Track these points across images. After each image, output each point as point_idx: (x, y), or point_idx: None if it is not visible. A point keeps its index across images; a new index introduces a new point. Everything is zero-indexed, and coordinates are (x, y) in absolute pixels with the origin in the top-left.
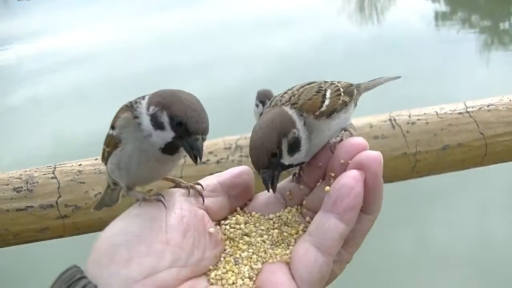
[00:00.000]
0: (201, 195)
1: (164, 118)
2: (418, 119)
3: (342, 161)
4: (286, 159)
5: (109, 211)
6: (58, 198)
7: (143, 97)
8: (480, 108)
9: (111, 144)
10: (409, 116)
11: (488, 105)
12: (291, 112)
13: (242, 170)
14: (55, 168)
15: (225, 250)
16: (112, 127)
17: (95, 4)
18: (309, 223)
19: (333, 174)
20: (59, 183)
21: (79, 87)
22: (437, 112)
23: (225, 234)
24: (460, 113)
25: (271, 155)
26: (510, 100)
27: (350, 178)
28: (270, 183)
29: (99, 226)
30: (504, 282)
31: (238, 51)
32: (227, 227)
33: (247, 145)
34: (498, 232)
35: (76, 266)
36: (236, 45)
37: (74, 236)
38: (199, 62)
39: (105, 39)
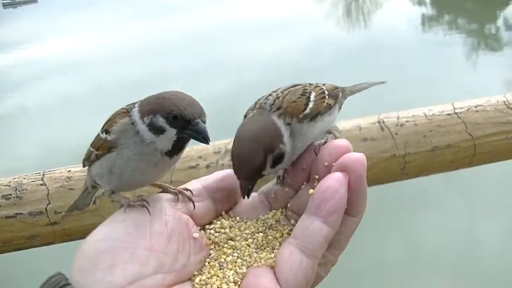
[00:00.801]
0: (192, 200)
1: (160, 121)
2: (406, 121)
3: (326, 163)
4: (267, 171)
5: (100, 217)
6: (47, 205)
7: (134, 104)
8: (468, 109)
9: (103, 147)
10: (398, 118)
11: (476, 106)
12: (280, 124)
13: (227, 173)
14: (44, 174)
15: (209, 254)
16: (106, 131)
17: (83, 11)
18: (294, 226)
19: (317, 177)
20: (48, 189)
21: (67, 94)
22: (425, 114)
23: (209, 239)
24: (448, 114)
25: (255, 169)
26: (498, 101)
27: (334, 181)
28: (247, 191)
29: (90, 232)
30: (492, 284)
31: (227, 57)
32: (212, 231)
33: None
34: (487, 235)
35: (61, 273)
36: (225, 51)
37: (65, 242)
38: (189, 68)
39: (93, 46)
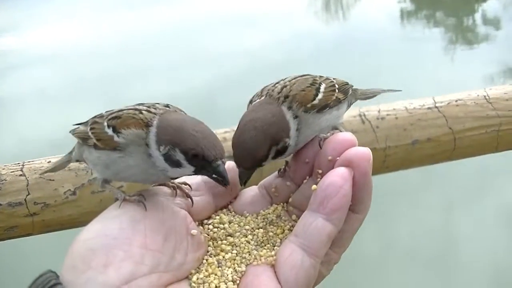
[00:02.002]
0: (189, 197)
1: (179, 156)
2: (387, 114)
3: (329, 157)
4: (268, 162)
5: (79, 209)
6: (27, 195)
7: (152, 118)
8: (448, 103)
9: (107, 143)
10: (379, 112)
11: (457, 100)
12: (288, 116)
13: (228, 166)
14: (23, 165)
15: (207, 251)
16: (115, 129)
17: (59, 2)
18: (296, 221)
19: (320, 171)
20: (27, 180)
21: (45, 85)
22: (406, 107)
23: (208, 235)
24: (429, 108)
25: (257, 160)
26: (478, 95)
27: (338, 177)
28: (245, 180)
29: (69, 223)
30: (468, 278)
31: (206, 50)
32: (210, 226)
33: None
34: (463, 229)
35: (51, 271)
36: (204, 44)
37: (44, 234)
38: (167, 62)
39: (71, 37)
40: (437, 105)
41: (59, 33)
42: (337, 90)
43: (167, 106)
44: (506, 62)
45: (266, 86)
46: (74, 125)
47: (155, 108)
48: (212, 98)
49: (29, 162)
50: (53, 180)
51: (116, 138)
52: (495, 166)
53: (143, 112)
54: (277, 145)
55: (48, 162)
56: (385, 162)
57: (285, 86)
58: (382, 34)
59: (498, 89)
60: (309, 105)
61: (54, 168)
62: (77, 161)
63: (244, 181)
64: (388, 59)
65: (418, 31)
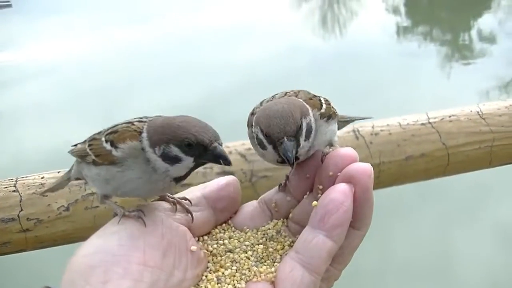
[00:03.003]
0: (190, 212)
1: (174, 150)
2: (381, 130)
3: (330, 173)
4: (301, 142)
5: (73, 224)
6: (20, 211)
7: (142, 129)
8: (442, 119)
9: (105, 158)
10: (373, 127)
11: (450, 116)
12: (301, 101)
13: (228, 181)
14: (16, 181)
15: (207, 267)
16: (112, 144)
17: (58, 17)
18: (296, 237)
19: (321, 187)
20: (21, 196)
21: (41, 100)
22: (400, 123)
23: (207, 250)
24: (422, 124)
25: (298, 127)
26: (471, 111)
27: (339, 193)
28: (294, 154)
29: (63, 239)
30: None
31: (202, 63)
32: (210, 242)
33: None
34: (459, 244)
35: (48, 287)
36: (200, 58)
37: (37, 250)
38: (164, 75)
39: (67, 52)
40: (430, 121)
41: (56, 48)
42: (331, 105)
43: (158, 116)
44: (501, 78)
45: (265, 99)
46: (72, 146)
47: (146, 118)
48: (208, 112)
49: (22, 178)
50: (46, 196)
51: (114, 152)
52: (490, 182)
53: (135, 123)
54: (305, 117)
55: (41, 178)
56: (379, 177)
57: (288, 92)
58: (378, 50)
59: (491, 104)
60: (319, 112)
61: (53, 188)
62: (76, 179)
63: (293, 155)
64: (384, 74)
65: (414, 47)
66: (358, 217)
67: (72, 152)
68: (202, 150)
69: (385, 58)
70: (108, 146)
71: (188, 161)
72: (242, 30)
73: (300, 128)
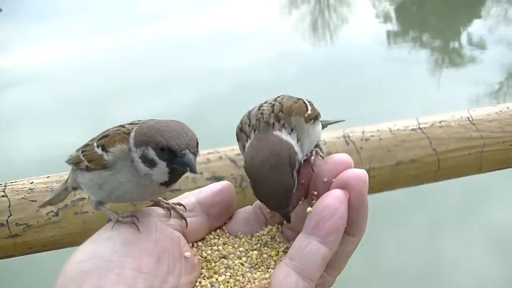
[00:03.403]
0: (184, 218)
1: (151, 153)
2: (371, 136)
3: (325, 179)
4: (296, 185)
5: (62, 230)
6: (8, 216)
7: (131, 131)
8: (432, 124)
9: (97, 163)
10: (363, 133)
11: (440, 122)
12: (285, 136)
13: (223, 186)
14: (5, 186)
15: (201, 273)
16: (103, 148)
17: (48, 22)
18: (290, 243)
19: (315, 193)
20: (9, 201)
21: (29, 105)
22: (390, 129)
23: (201, 256)
24: (413, 129)
25: (291, 194)
26: (462, 117)
27: (333, 199)
28: (290, 217)
29: (52, 244)
30: None
31: (192, 69)
32: (204, 248)
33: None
34: (449, 250)
35: None
36: (190, 64)
37: (26, 255)
38: (154, 81)
39: (57, 57)
40: (421, 126)
41: (46, 53)
42: (314, 105)
43: (152, 119)
44: (491, 84)
45: (250, 111)
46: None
47: (138, 120)
48: (199, 117)
49: (11, 183)
50: (36, 201)
51: (105, 157)
52: (481, 187)
53: (126, 125)
54: (294, 168)
55: (30, 183)
56: (369, 183)
57: (274, 105)
58: (369, 56)
59: (481, 110)
60: (306, 115)
61: (53, 201)
62: (73, 188)
63: (289, 219)
64: (374, 80)
65: (404, 53)
66: (353, 223)
67: (67, 161)
68: (172, 155)
69: (375, 64)
70: (99, 150)
71: (162, 165)
72: (233, 36)
73: (293, 187)
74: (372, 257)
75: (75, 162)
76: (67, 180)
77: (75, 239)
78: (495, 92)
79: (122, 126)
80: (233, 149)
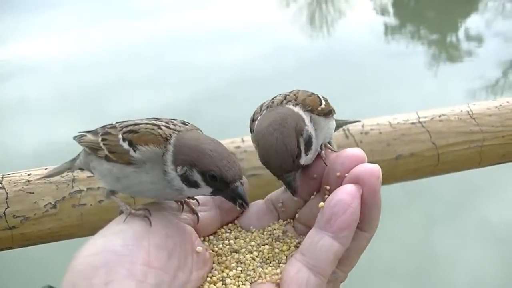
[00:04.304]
0: (196, 213)
1: (196, 176)
2: (371, 129)
3: (338, 173)
4: (303, 159)
5: (60, 222)
6: (6, 208)
7: (171, 134)
8: (432, 118)
9: (121, 157)
10: (363, 126)
11: (440, 116)
12: (297, 109)
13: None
14: (3, 177)
15: (212, 267)
16: (131, 144)
17: (41, 14)
18: (302, 238)
19: (328, 187)
20: (7, 193)
21: (25, 98)
22: (390, 122)
23: (213, 251)
24: (412, 123)
25: (296, 157)
26: (462, 111)
27: (346, 194)
28: (296, 187)
29: (50, 237)
30: None
31: (190, 63)
32: (216, 242)
33: None
34: (444, 245)
35: (51, 286)
36: (188, 57)
37: (23, 247)
38: (151, 75)
39: (52, 50)
40: (420, 120)
41: (41, 46)
42: (328, 101)
43: (184, 123)
44: (488, 78)
45: (264, 103)
46: (79, 132)
47: (174, 125)
48: (196, 112)
49: (8, 174)
50: (33, 193)
51: (132, 153)
52: (477, 182)
53: (162, 127)
54: (302, 135)
55: (28, 175)
56: None
57: (287, 95)
58: (366, 49)
59: (481, 104)
60: (319, 109)
61: (53, 174)
62: (80, 169)
63: (294, 187)
64: (372, 74)
65: (402, 47)
66: (366, 219)
67: (80, 141)
68: (223, 185)
69: (373, 58)
70: (125, 145)
71: (206, 190)
72: (230, 30)
73: (298, 154)
74: (366, 253)
75: (92, 147)
76: (75, 159)
77: (73, 232)
78: (492, 86)
79: (157, 126)
80: (233, 141)
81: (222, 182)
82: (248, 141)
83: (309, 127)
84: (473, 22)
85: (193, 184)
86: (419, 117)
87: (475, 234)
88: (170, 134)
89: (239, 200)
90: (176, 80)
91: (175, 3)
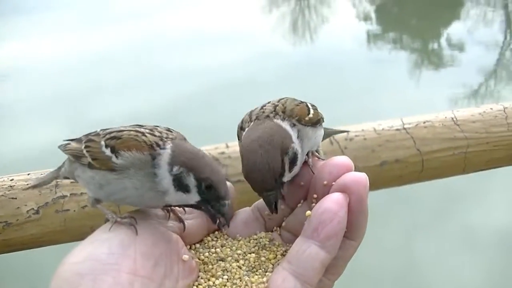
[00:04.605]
0: (182, 221)
1: (190, 181)
2: (356, 135)
3: (325, 182)
4: (286, 176)
5: (43, 228)
6: None
7: (164, 144)
8: (416, 124)
9: (103, 163)
10: (347, 133)
11: (425, 122)
12: (285, 125)
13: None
14: None
15: (198, 276)
16: (113, 150)
17: (22, 18)
18: (289, 246)
19: (315, 196)
20: None
21: (5, 103)
22: (374, 129)
23: (199, 259)
24: (397, 129)
25: (278, 176)
26: (446, 117)
27: (333, 203)
28: (275, 205)
29: (32, 243)
30: None
31: (170, 68)
32: (202, 250)
33: None
34: (426, 252)
35: None
36: (168, 62)
37: (6, 253)
38: (130, 79)
39: (32, 55)
40: (405, 126)
41: (20, 52)
42: (317, 109)
43: (169, 130)
44: (470, 85)
45: (253, 110)
46: (64, 140)
47: (159, 132)
48: (175, 117)
49: None
50: (16, 198)
51: (114, 159)
52: (459, 189)
53: (147, 135)
54: (287, 154)
55: (10, 180)
56: None
57: (276, 106)
58: (349, 56)
59: (466, 111)
60: (307, 118)
61: (39, 184)
62: (65, 178)
63: (274, 206)
64: (354, 80)
65: (384, 53)
66: (353, 227)
67: (64, 149)
68: (215, 198)
69: (356, 64)
70: (107, 151)
71: (193, 198)
72: (212, 35)
73: (281, 174)
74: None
75: (76, 155)
76: (60, 167)
77: (56, 238)
78: (473, 93)
79: (141, 133)
80: (216, 147)
81: (215, 195)
82: (232, 147)
83: (296, 144)
84: (455, 30)
85: (183, 188)
86: (403, 124)
87: (457, 241)
88: (159, 143)
89: (222, 218)
90: (156, 85)
91: (155, 8)
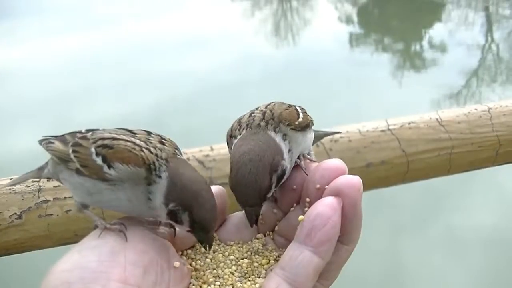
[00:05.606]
0: (173, 226)
1: (184, 218)
2: (341, 137)
3: (318, 185)
4: (272, 191)
5: (26, 233)
6: None
7: (159, 170)
8: (401, 126)
9: (94, 172)
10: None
11: (410, 123)
12: (278, 139)
13: (216, 192)
14: None
15: (190, 282)
16: (105, 160)
17: (6, 22)
18: (282, 251)
19: (308, 200)
20: None
21: None
22: (359, 130)
23: (191, 265)
24: (382, 130)
25: (263, 194)
26: (431, 118)
27: (326, 207)
28: (255, 219)
29: (15, 248)
30: None
31: (154, 71)
32: (194, 256)
33: None
34: (410, 253)
35: None
36: (152, 66)
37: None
38: (115, 83)
39: (15, 58)
40: (390, 127)
41: (7, 54)
42: (307, 113)
43: (162, 141)
44: (452, 86)
45: (241, 118)
46: (44, 137)
47: (154, 147)
48: (159, 120)
49: None
50: None
51: (106, 170)
52: (442, 190)
53: (144, 150)
54: (276, 171)
55: None
56: None
57: (265, 113)
58: (332, 58)
59: (450, 111)
60: (296, 123)
61: (17, 181)
62: (47, 178)
63: (254, 220)
64: (337, 82)
65: (366, 55)
66: (346, 231)
67: (47, 148)
68: (202, 232)
69: (338, 66)
70: (99, 160)
71: (185, 227)
72: (195, 39)
73: (267, 191)
74: None
75: (61, 158)
76: (43, 167)
77: (39, 243)
78: (455, 94)
79: (136, 144)
80: (201, 150)
81: (205, 231)
82: (217, 150)
83: (286, 161)
84: (437, 32)
85: (176, 220)
86: (388, 125)
87: (441, 242)
88: (154, 162)
89: (206, 244)
90: (142, 88)
91: (139, 12)
